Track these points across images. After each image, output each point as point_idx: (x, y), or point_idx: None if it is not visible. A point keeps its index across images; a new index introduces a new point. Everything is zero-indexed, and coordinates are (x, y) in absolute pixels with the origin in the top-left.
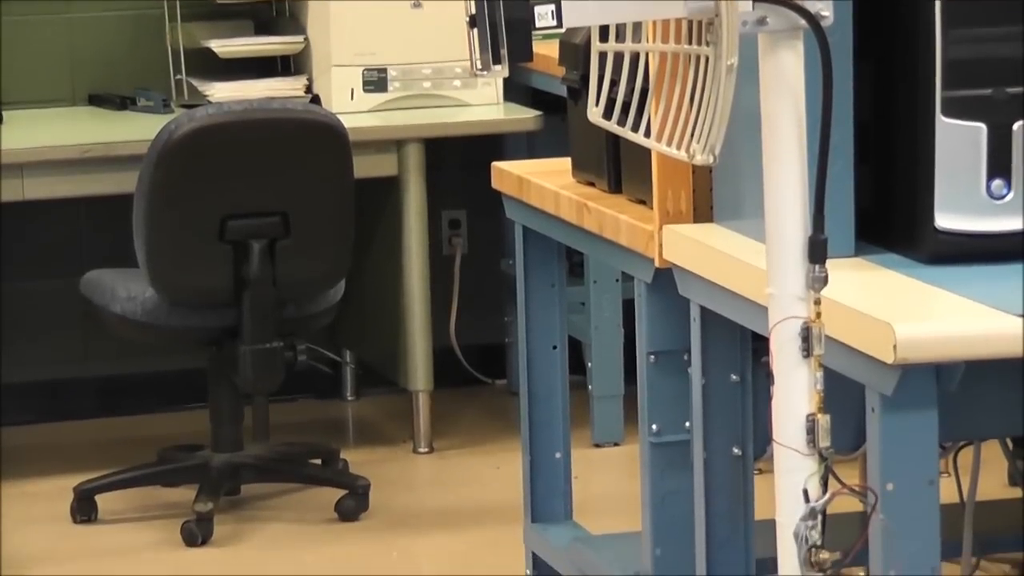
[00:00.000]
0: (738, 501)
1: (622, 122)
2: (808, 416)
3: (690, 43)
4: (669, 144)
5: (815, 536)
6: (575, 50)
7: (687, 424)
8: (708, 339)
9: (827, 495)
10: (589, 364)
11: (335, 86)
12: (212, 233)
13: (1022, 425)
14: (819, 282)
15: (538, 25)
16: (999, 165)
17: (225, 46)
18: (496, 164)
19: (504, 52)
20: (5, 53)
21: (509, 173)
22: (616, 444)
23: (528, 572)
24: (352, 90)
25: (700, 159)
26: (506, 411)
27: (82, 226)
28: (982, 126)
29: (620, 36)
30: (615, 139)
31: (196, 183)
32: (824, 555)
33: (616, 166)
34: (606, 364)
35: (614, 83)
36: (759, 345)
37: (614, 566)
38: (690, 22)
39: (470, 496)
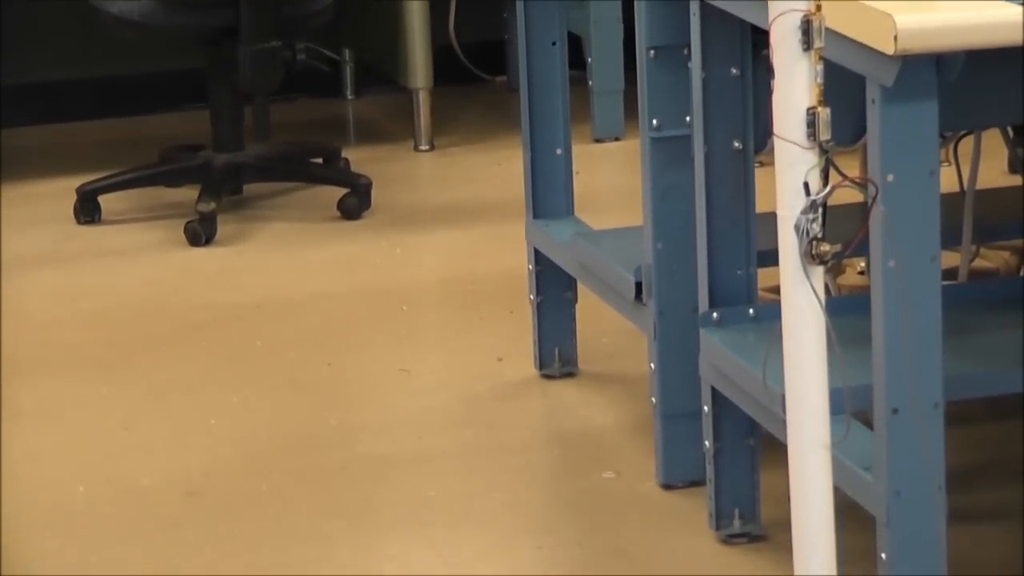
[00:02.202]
0: (739, 195)
1: None
2: (808, 109)
3: None
4: None
5: (816, 228)
6: None
7: (687, 119)
8: (708, 33)
9: (828, 188)
10: (589, 59)
11: None
12: None
13: (1022, 113)
14: None
15: None
16: None
17: None
18: None
19: None
20: None
21: None
22: (617, 139)
23: (530, 267)
24: None
25: None
26: (506, 108)
27: None
28: None
29: None
30: None
31: None
32: (825, 247)
33: None
34: (606, 59)
35: None
36: (759, 39)
37: (616, 260)
38: None
39: (472, 193)
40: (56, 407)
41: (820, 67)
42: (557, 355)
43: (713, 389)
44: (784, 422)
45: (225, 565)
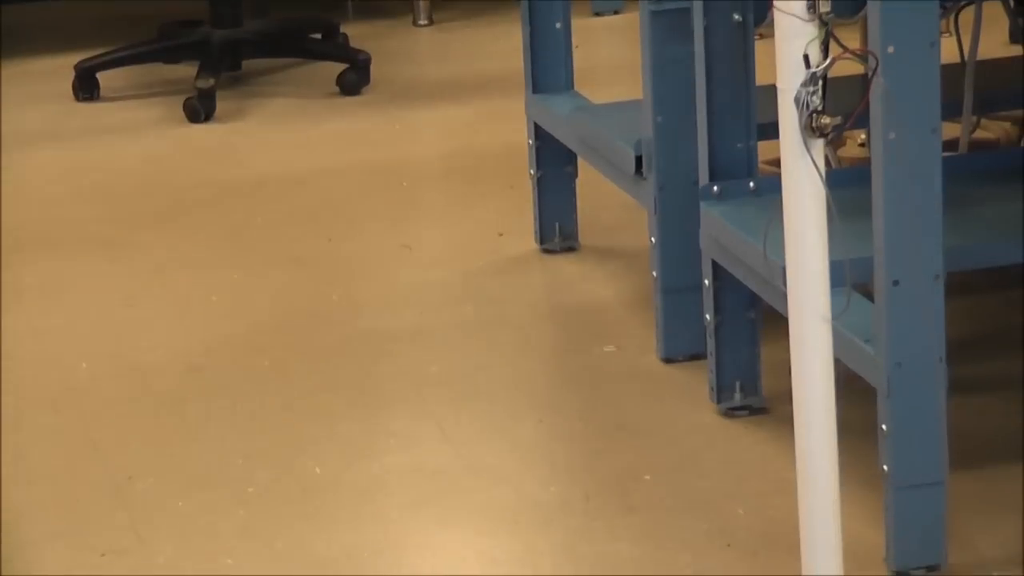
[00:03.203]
0: (739, 68)
1: None
2: None
3: None
4: None
5: (816, 101)
6: None
7: None
8: None
9: (828, 60)
10: None
11: None
12: None
13: None
14: None
15: None
16: None
17: None
18: None
19: None
20: None
21: None
22: (616, 12)
23: (530, 142)
24: None
25: None
26: None
27: None
28: None
29: None
30: None
31: None
32: (825, 120)
33: None
34: None
35: None
36: None
37: (616, 134)
38: None
39: (471, 68)
40: (57, 284)
41: None
42: (557, 230)
43: (713, 262)
44: (785, 295)
45: (227, 440)
